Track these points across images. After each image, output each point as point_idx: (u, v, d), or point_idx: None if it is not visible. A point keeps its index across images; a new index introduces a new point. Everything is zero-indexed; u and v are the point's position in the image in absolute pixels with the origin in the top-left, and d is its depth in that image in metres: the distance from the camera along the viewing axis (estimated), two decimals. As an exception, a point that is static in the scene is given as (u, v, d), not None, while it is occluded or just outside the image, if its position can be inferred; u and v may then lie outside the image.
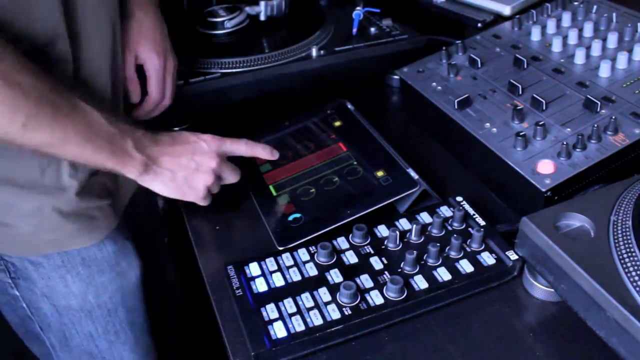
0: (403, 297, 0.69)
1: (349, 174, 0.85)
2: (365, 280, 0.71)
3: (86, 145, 0.68)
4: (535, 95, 0.85)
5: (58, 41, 0.70)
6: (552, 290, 0.68)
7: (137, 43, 0.88)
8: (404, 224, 0.79)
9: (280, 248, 0.76)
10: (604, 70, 0.88)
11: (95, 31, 0.76)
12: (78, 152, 0.68)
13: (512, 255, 0.72)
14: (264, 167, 0.91)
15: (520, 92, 0.89)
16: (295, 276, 0.72)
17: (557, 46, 0.96)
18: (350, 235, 0.77)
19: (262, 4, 1.14)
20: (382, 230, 0.78)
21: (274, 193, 0.85)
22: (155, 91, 0.90)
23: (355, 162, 0.87)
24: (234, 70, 1.02)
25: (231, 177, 0.82)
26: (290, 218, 0.80)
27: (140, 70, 0.89)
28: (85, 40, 0.74)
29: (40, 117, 0.63)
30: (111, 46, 0.79)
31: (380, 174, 0.84)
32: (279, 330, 0.66)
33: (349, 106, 0.99)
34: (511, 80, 0.90)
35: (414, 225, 0.76)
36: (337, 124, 0.96)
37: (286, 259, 0.75)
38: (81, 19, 0.73)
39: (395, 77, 1.10)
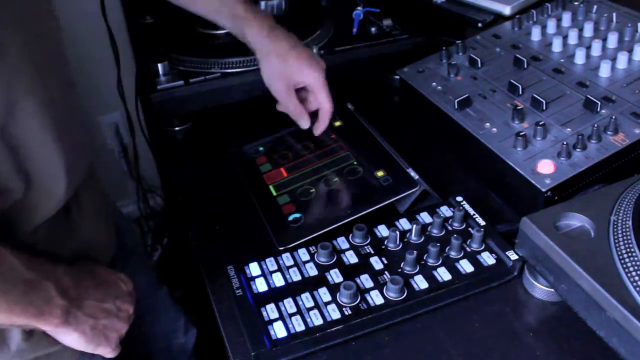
0: (403, 297, 0.69)
1: (349, 174, 0.85)
2: (365, 280, 0.71)
3: None
4: (535, 95, 0.85)
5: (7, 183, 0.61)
6: (552, 290, 0.68)
7: (291, 76, 0.86)
8: (404, 224, 0.79)
9: (280, 248, 0.76)
10: (604, 70, 0.88)
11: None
12: None
13: (512, 255, 0.72)
14: (264, 167, 0.91)
15: (520, 92, 0.89)
16: (295, 276, 0.72)
17: (557, 46, 0.96)
18: (350, 235, 0.77)
19: (262, 4, 1.14)
20: (382, 230, 0.78)
21: (274, 193, 0.85)
22: (327, 102, 0.88)
23: (355, 162, 0.87)
24: (234, 70, 1.02)
25: (132, 319, 0.74)
26: (291, 218, 0.80)
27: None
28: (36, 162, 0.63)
29: None
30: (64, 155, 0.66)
31: (380, 174, 0.84)
32: (279, 330, 0.66)
33: (349, 106, 0.99)
34: (511, 80, 0.90)
35: (414, 225, 0.76)
36: (337, 124, 0.96)
37: (286, 259, 0.75)
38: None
39: (396, 77, 1.10)
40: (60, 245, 0.71)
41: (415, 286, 0.70)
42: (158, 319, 1.06)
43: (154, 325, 1.06)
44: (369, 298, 0.69)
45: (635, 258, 0.59)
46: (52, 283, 0.63)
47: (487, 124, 0.86)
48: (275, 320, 0.67)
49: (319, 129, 0.90)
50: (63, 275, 0.65)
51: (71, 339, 0.66)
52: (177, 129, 1.04)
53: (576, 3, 1.05)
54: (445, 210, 0.80)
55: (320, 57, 0.90)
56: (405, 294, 0.69)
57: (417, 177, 0.82)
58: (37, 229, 0.67)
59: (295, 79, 0.86)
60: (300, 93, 0.89)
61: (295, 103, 0.88)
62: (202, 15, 0.91)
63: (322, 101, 0.88)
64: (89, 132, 0.76)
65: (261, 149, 0.94)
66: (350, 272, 0.72)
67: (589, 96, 0.83)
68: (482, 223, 0.77)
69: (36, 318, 0.61)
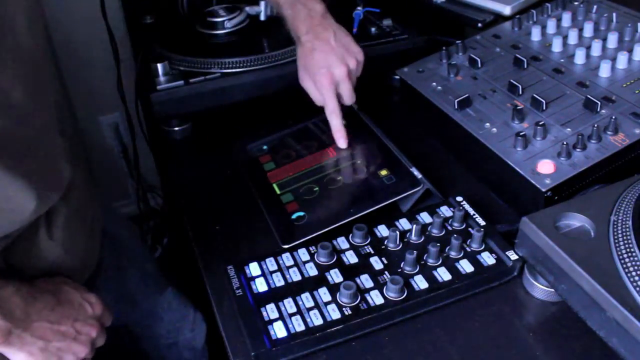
0: (403, 297, 0.69)
1: (353, 172, 0.85)
2: (365, 280, 0.71)
3: None
4: (535, 95, 0.85)
5: None
6: (552, 290, 0.68)
7: (316, 74, 0.88)
8: (404, 224, 0.79)
9: (285, 246, 0.76)
10: (604, 70, 0.88)
11: None
12: None
13: (512, 255, 0.72)
14: (267, 165, 0.91)
15: (520, 92, 0.89)
16: (295, 276, 0.72)
17: (557, 46, 0.96)
18: (351, 235, 0.77)
19: (262, 4, 1.14)
20: (382, 230, 0.78)
21: (278, 191, 0.85)
22: (349, 97, 0.90)
23: (358, 161, 0.87)
24: (234, 70, 1.02)
25: (101, 341, 0.72)
26: (294, 216, 0.80)
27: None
28: None
29: None
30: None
31: (383, 173, 0.84)
32: (279, 330, 0.66)
33: (353, 106, 0.98)
34: (511, 80, 0.90)
35: (414, 225, 0.76)
36: None
37: (286, 259, 0.75)
38: None
39: (396, 77, 1.10)
40: (23, 265, 0.69)
41: (415, 286, 0.70)
42: (161, 320, 1.05)
43: (157, 326, 1.05)
44: (369, 298, 0.69)
45: (635, 258, 0.59)
46: None
47: (487, 124, 0.86)
48: (275, 320, 0.67)
49: (339, 143, 0.90)
50: (12, 295, 0.63)
51: (18, 358, 0.64)
52: (176, 129, 1.04)
53: (576, 3, 1.05)
54: (445, 210, 0.80)
55: (355, 45, 0.92)
56: (405, 294, 0.69)
57: (420, 176, 0.82)
58: None
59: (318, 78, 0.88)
60: None
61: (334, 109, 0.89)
62: None
63: (343, 99, 0.91)
64: (69, 151, 0.71)
65: (265, 147, 0.94)
66: (350, 272, 0.72)
67: (589, 96, 0.83)
68: (482, 223, 0.77)
69: None
